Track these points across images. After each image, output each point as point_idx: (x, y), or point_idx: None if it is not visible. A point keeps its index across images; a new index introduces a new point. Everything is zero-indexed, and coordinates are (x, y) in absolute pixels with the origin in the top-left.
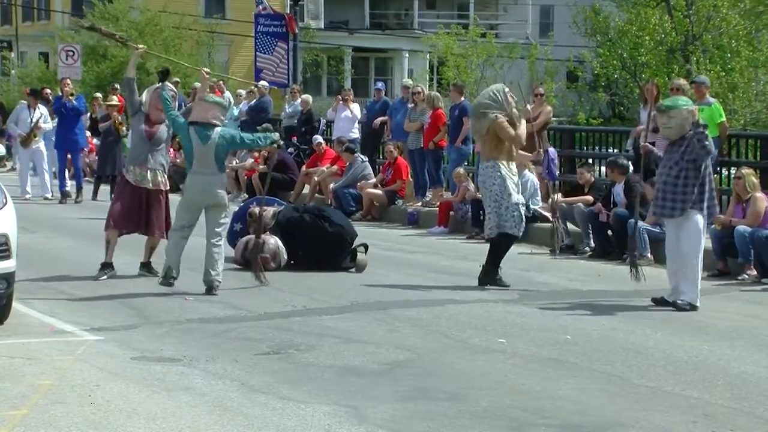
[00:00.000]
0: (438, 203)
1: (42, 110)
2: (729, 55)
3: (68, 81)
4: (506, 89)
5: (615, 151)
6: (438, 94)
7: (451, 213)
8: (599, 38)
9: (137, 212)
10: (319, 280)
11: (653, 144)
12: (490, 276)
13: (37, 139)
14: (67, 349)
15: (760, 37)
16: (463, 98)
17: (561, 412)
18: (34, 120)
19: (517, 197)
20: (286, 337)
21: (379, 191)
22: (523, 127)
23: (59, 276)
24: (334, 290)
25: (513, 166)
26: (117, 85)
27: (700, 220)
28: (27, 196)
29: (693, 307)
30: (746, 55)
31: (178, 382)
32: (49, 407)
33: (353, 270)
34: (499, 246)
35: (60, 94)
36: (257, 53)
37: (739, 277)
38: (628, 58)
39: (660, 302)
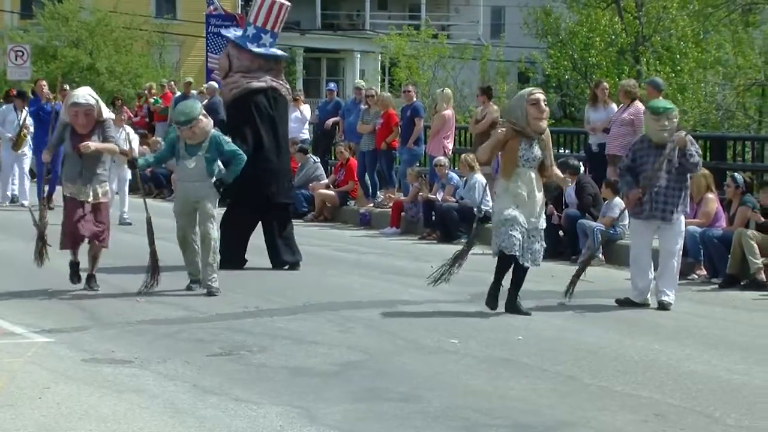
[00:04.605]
0: (390, 204)
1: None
2: (678, 56)
3: (44, 83)
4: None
5: (566, 151)
6: (390, 95)
7: (403, 214)
8: (550, 39)
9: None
10: (272, 281)
11: (603, 145)
12: (490, 298)
13: (26, 139)
14: (17, 351)
15: (708, 38)
16: (415, 99)
17: (512, 412)
18: (21, 121)
19: (510, 214)
20: (238, 338)
21: (331, 192)
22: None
23: (9, 278)
24: (287, 291)
25: (515, 182)
26: (67, 86)
27: (683, 221)
28: (7, 202)
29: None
30: (695, 56)
31: (130, 383)
32: None
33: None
34: (497, 265)
35: (34, 96)
36: (208, 54)
37: (689, 277)
38: (579, 59)
39: (624, 303)
